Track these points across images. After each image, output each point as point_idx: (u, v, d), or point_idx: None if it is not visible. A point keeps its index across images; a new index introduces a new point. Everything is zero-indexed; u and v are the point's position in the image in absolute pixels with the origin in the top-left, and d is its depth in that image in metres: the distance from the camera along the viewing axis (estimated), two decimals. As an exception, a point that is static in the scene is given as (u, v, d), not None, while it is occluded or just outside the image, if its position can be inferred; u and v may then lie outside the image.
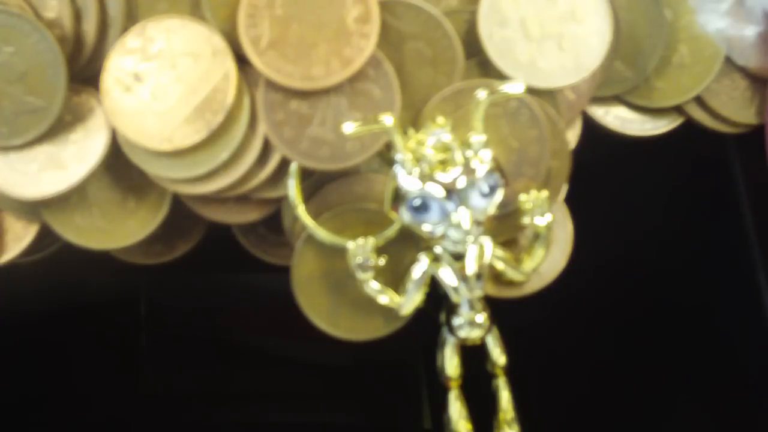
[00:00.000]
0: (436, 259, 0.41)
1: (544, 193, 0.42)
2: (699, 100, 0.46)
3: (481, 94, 0.39)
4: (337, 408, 0.50)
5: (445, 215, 0.39)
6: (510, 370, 0.42)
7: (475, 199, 0.39)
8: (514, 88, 0.40)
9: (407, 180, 0.39)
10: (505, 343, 0.42)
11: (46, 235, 0.43)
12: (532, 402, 0.42)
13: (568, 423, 0.49)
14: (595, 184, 0.46)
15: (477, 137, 0.39)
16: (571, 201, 0.44)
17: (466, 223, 0.39)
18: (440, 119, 0.41)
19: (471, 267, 0.40)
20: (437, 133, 0.40)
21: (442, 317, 0.42)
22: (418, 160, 0.39)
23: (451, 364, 0.42)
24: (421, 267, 0.41)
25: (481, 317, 0.41)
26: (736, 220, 0.50)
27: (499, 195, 0.40)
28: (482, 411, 0.42)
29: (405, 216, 0.40)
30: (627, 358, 0.50)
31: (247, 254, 0.45)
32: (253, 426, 0.49)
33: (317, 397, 0.50)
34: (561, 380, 0.49)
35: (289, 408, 0.50)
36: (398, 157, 0.39)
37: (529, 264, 0.42)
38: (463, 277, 0.40)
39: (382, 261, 0.41)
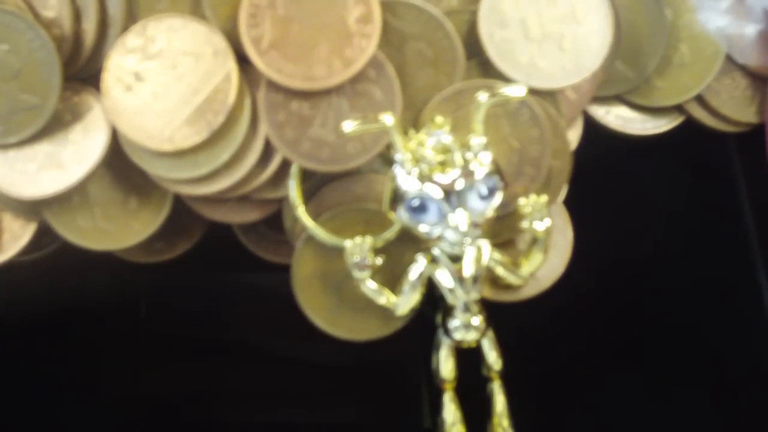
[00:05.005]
0: (433, 261, 0.41)
1: (543, 198, 0.42)
2: (700, 99, 0.46)
3: (482, 97, 0.39)
4: (337, 408, 0.50)
5: (443, 217, 0.39)
6: (505, 374, 0.42)
7: (474, 201, 0.39)
8: (515, 91, 0.40)
9: (406, 180, 0.39)
10: (501, 346, 0.42)
11: (44, 234, 0.43)
12: (527, 406, 0.42)
13: (564, 428, 0.48)
14: (595, 183, 0.46)
15: (477, 139, 0.39)
16: (571, 200, 0.44)
17: (463, 225, 0.39)
18: (440, 119, 0.41)
19: (468, 269, 0.40)
20: (437, 134, 0.40)
21: (438, 319, 0.42)
22: (418, 160, 0.39)
23: (446, 366, 0.42)
24: (418, 268, 0.41)
25: (477, 320, 0.41)
26: (737, 220, 0.50)
27: (498, 198, 0.40)
28: (478, 414, 0.42)
29: (403, 216, 0.40)
30: (625, 362, 0.50)
31: (248, 253, 0.45)
32: (253, 426, 0.49)
33: (317, 397, 0.50)
34: (557, 385, 0.48)
35: (289, 408, 0.50)
36: (398, 157, 0.39)
37: (526, 268, 0.42)
38: (459, 280, 0.40)
39: (379, 260, 0.41)
